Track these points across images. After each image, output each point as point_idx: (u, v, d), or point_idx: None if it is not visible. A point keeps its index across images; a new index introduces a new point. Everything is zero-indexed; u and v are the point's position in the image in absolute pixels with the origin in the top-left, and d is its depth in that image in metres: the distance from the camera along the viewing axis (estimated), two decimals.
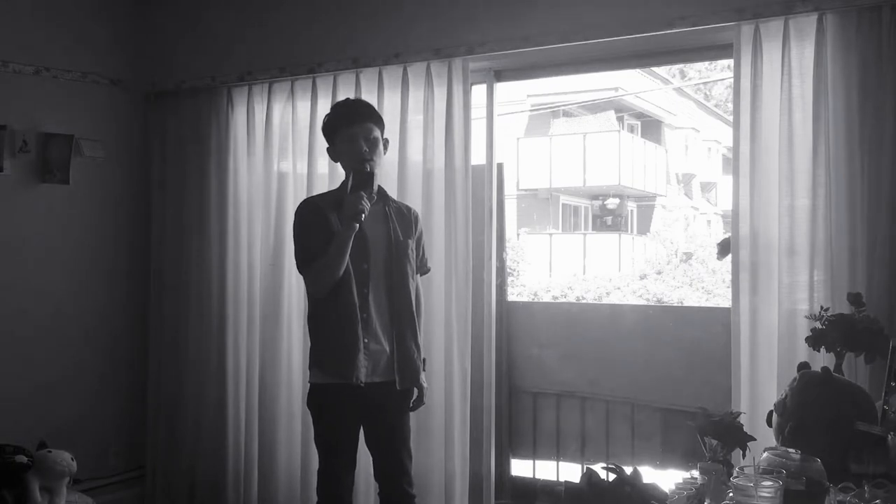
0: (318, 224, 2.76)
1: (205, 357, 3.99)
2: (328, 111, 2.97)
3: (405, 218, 2.92)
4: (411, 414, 2.95)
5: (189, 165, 4.07)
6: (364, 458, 2.97)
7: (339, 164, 2.94)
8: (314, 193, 3.65)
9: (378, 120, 2.89)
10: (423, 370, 2.91)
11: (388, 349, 2.80)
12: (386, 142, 2.91)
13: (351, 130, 2.80)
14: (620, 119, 16.42)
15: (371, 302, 2.76)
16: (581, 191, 16.41)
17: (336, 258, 2.68)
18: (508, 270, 7.86)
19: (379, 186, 2.86)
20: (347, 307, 2.73)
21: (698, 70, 17.25)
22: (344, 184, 2.84)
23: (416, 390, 2.89)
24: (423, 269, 3.02)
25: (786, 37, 2.83)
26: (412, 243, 2.90)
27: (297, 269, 2.84)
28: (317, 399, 2.83)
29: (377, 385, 2.77)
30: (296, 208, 2.91)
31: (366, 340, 2.75)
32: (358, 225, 2.68)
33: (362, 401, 2.77)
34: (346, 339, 2.72)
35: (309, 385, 2.86)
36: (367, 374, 2.75)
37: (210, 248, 3.99)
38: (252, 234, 3.93)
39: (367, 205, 2.68)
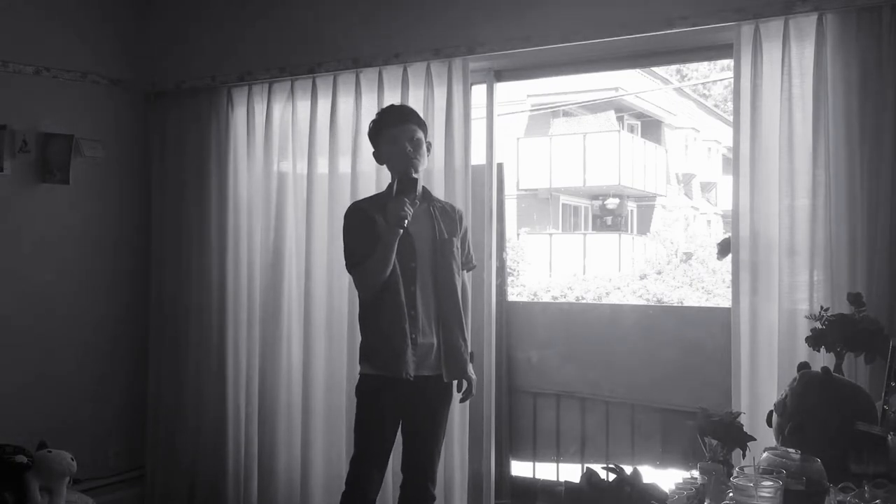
0: (363, 227, 2.84)
1: (205, 357, 3.99)
2: (373, 117, 3.01)
3: (449, 216, 2.99)
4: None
5: (189, 165, 4.07)
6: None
7: (384, 167, 3.03)
8: (313, 193, 3.68)
9: (421, 122, 2.96)
10: (471, 362, 2.98)
11: (436, 343, 2.87)
12: (429, 144, 2.98)
13: (394, 131, 2.88)
14: (620, 119, 16.41)
15: (419, 299, 2.84)
16: (581, 191, 16.40)
17: (381, 262, 2.77)
18: (508, 270, 7.86)
19: (423, 187, 2.94)
20: (395, 305, 2.80)
21: (699, 70, 17.25)
22: (390, 186, 2.90)
23: (465, 382, 2.96)
24: (468, 265, 3.08)
25: (786, 37, 2.83)
26: (457, 241, 2.97)
27: (347, 270, 2.92)
28: (365, 387, 2.90)
29: (425, 378, 2.85)
30: (345, 212, 2.97)
31: (413, 336, 2.81)
32: (402, 230, 2.75)
33: (408, 394, 2.83)
34: (394, 335, 2.80)
35: (359, 375, 2.92)
36: (415, 368, 2.82)
37: (210, 247, 3.99)
38: (252, 234, 3.93)
39: (409, 210, 2.75)
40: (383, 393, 2.85)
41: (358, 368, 2.94)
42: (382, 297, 2.81)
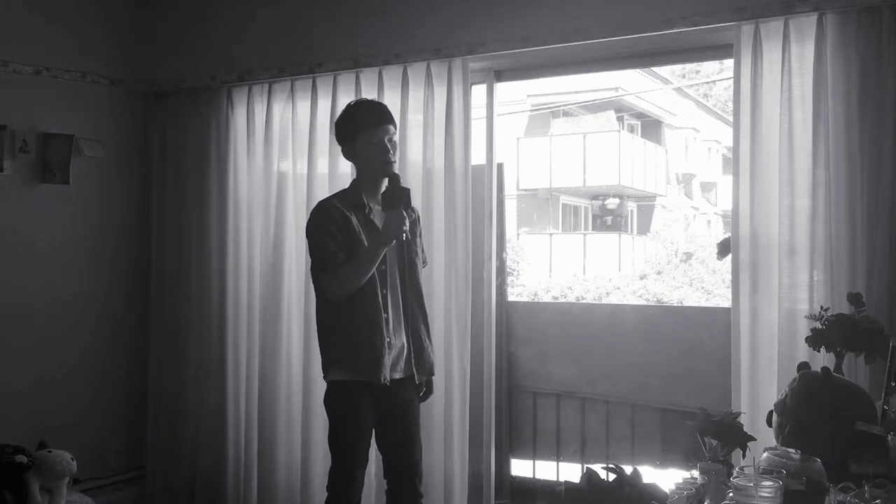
0: (340, 227, 2.77)
1: (205, 357, 3.99)
2: (345, 109, 2.94)
3: (410, 218, 2.94)
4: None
5: (189, 165, 4.07)
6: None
7: (351, 163, 3.00)
8: (313, 193, 3.67)
9: (394, 122, 2.93)
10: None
11: (405, 345, 2.86)
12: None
13: (378, 132, 2.82)
14: (620, 119, 16.41)
15: (389, 301, 2.83)
16: (581, 191, 16.40)
17: (365, 269, 2.73)
18: (508, 270, 7.86)
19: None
20: (373, 308, 2.78)
21: (699, 71, 17.25)
22: (354, 184, 2.91)
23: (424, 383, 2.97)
24: (424, 264, 3.08)
25: (786, 37, 2.83)
26: (419, 241, 2.99)
27: (314, 271, 2.82)
28: (337, 396, 2.84)
29: (397, 381, 2.84)
30: (313, 210, 2.90)
31: (388, 339, 2.80)
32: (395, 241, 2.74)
33: (382, 398, 2.82)
34: (373, 339, 2.77)
35: (328, 384, 2.87)
36: (389, 372, 2.80)
37: (210, 248, 3.99)
38: (252, 234, 3.93)
39: (408, 224, 2.74)
40: (361, 399, 2.79)
41: None
42: (358, 300, 2.75)
